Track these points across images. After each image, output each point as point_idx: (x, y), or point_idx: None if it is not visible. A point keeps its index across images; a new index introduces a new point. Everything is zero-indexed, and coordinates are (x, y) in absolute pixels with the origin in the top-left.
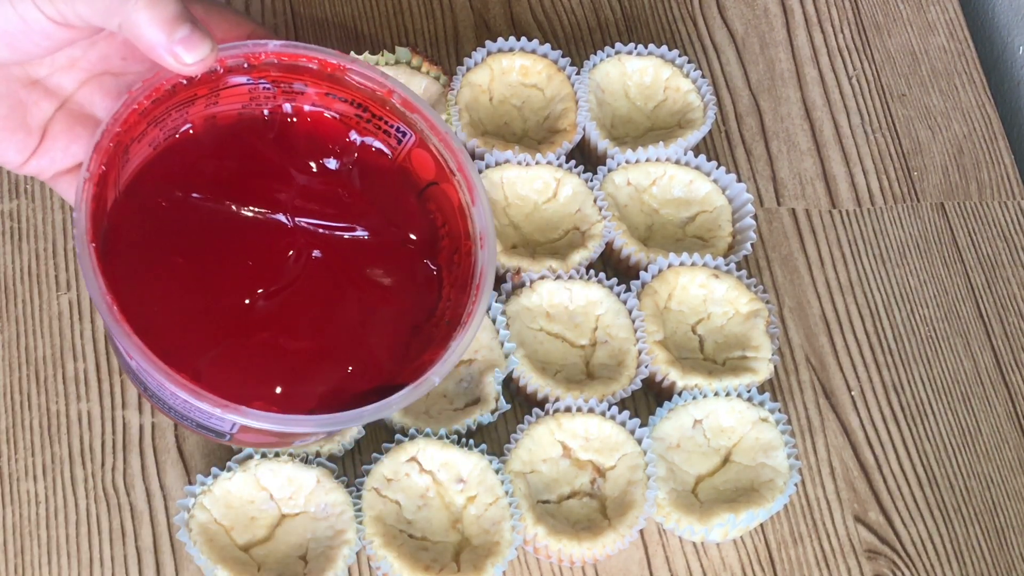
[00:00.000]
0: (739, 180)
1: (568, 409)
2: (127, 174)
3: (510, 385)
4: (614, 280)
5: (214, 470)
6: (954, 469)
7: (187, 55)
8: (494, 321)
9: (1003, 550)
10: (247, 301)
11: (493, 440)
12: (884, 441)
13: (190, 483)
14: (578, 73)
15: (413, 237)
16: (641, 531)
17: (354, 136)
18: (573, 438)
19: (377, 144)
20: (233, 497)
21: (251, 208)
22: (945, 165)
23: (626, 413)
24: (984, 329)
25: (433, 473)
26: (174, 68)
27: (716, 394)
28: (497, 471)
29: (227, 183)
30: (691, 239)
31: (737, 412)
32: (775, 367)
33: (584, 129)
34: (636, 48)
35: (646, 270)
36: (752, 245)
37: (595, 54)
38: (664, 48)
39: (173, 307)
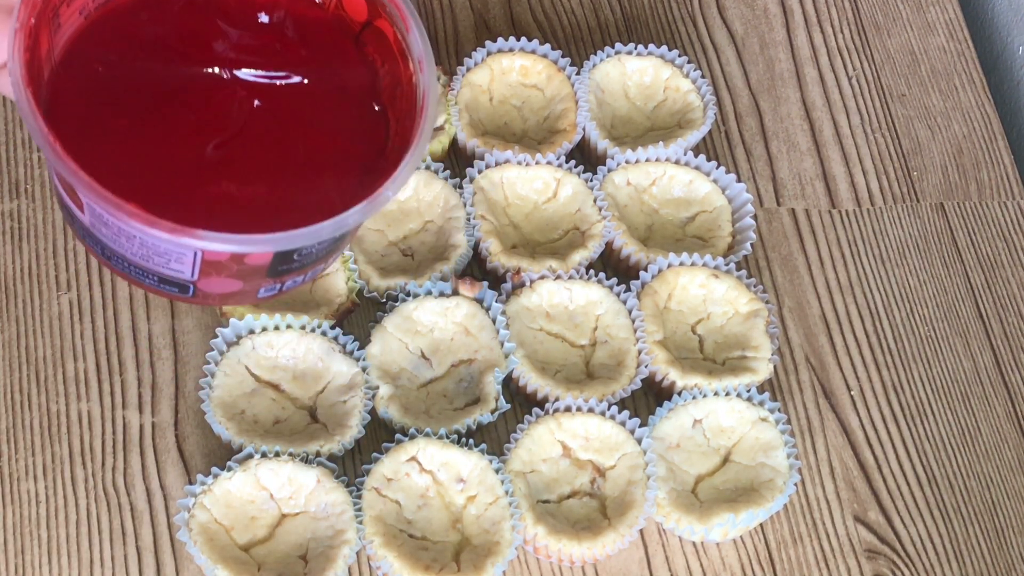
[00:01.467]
0: (739, 180)
1: (568, 409)
2: (60, 44)
3: (510, 385)
4: (614, 280)
5: (214, 470)
6: (954, 469)
7: None
8: (494, 321)
9: (1003, 550)
10: (195, 155)
11: (493, 440)
12: (884, 441)
13: (190, 483)
14: (578, 73)
15: (352, 83)
16: (641, 531)
17: None
18: (573, 438)
19: None
20: (233, 497)
21: (188, 66)
22: (945, 165)
23: (626, 413)
24: (984, 329)
25: (433, 473)
26: None
27: (716, 394)
28: (497, 471)
29: (162, 44)
30: (691, 239)
31: (737, 412)
32: (775, 367)
33: (584, 129)
34: (636, 48)
35: (646, 270)
36: (752, 245)
37: (595, 54)
38: (664, 48)
39: (123, 169)
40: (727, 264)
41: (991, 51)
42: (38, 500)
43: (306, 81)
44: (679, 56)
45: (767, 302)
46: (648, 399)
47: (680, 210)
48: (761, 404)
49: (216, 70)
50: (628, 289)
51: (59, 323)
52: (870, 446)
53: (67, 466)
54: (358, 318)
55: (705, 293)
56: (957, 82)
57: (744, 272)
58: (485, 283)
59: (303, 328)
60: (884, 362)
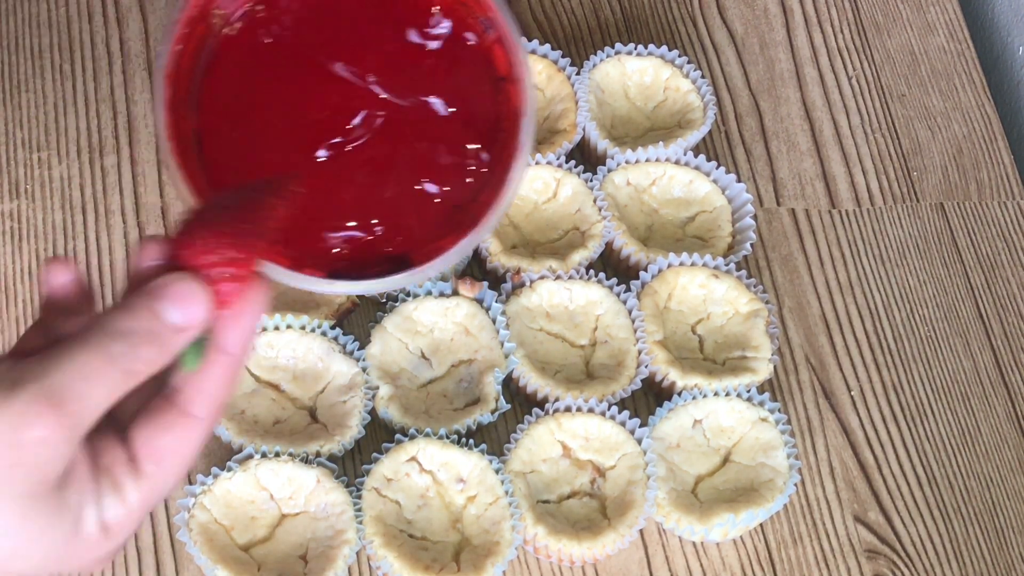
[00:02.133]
0: (739, 180)
1: (568, 409)
2: (234, 14)
3: (510, 385)
4: (614, 280)
5: (214, 470)
6: (954, 469)
7: None
8: (494, 321)
9: (1003, 550)
10: (310, 149)
11: (493, 440)
12: (884, 441)
13: (190, 483)
14: (578, 73)
15: (478, 122)
16: (641, 531)
17: (448, 17)
18: (573, 438)
19: (466, 29)
20: (233, 497)
21: (334, 66)
22: (945, 165)
23: (626, 413)
24: (984, 329)
25: (433, 473)
26: None
27: (716, 394)
28: (497, 471)
29: (318, 39)
30: (691, 239)
31: (737, 412)
32: (775, 367)
33: (584, 129)
34: (636, 48)
35: (646, 270)
36: (752, 245)
37: (595, 54)
38: (664, 48)
39: (246, 140)
40: (727, 264)
41: (991, 51)
42: None
43: (437, 107)
44: (679, 56)
45: (767, 302)
46: (648, 399)
47: (680, 210)
48: (761, 404)
49: (358, 79)
50: (628, 289)
51: None
52: (870, 446)
53: None
54: (358, 318)
55: (705, 293)
56: (957, 82)
57: (744, 272)
58: (485, 283)
59: (303, 328)
60: (884, 362)
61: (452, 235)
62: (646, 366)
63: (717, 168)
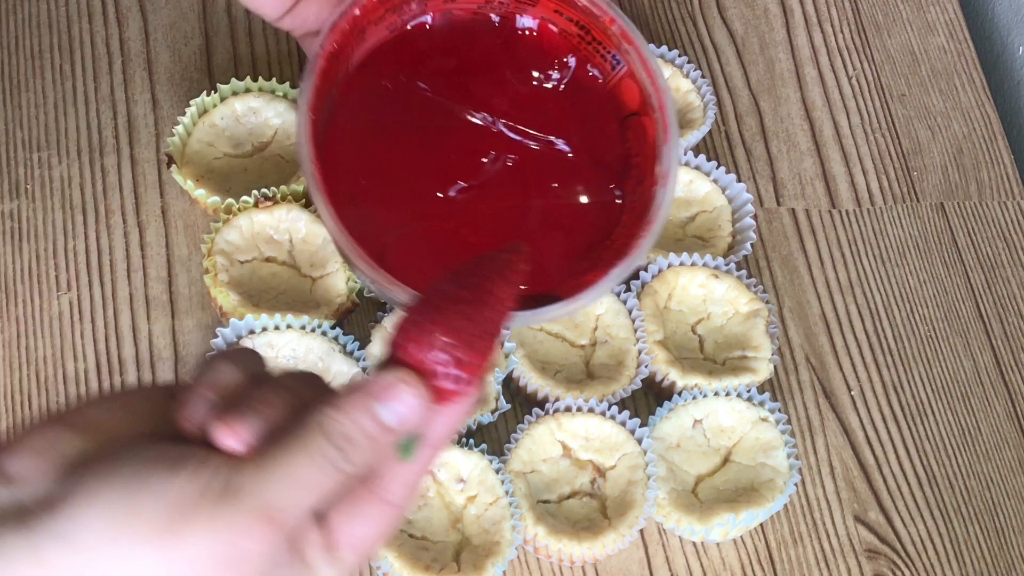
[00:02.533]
0: (739, 180)
1: (568, 409)
2: (361, 52)
3: (510, 385)
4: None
5: None
6: (954, 469)
7: None
8: None
9: (1003, 550)
10: (440, 191)
11: (493, 440)
12: (884, 441)
13: None
14: None
15: (607, 161)
16: (641, 531)
17: (572, 55)
18: (573, 438)
19: (592, 66)
20: None
21: (464, 106)
22: (945, 165)
23: (626, 413)
24: (984, 329)
25: (433, 473)
26: None
27: (716, 394)
28: (497, 471)
29: (448, 78)
30: (691, 239)
31: (737, 412)
32: (775, 367)
33: None
34: None
35: (646, 270)
36: (752, 245)
37: None
38: (664, 48)
39: (374, 181)
40: (727, 264)
41: (991, 51)
42: None
43: (564, 148)
44: (679, 56)
45: (767, 302)
46: (648, 399)
47: (680, 210)
48: (761, 404)
49: (487, 118)
50: (628, 289)
51: (59, 323)
52: (870, 446)
53: None
54: (358, 318)
55: (705, 293)
56: (957, 82)
57: (744, 272)
58: None
59: (303, 328)
60: (884, 362)
61: (592, 271)
62: (646, 366)
63: (717, 168)
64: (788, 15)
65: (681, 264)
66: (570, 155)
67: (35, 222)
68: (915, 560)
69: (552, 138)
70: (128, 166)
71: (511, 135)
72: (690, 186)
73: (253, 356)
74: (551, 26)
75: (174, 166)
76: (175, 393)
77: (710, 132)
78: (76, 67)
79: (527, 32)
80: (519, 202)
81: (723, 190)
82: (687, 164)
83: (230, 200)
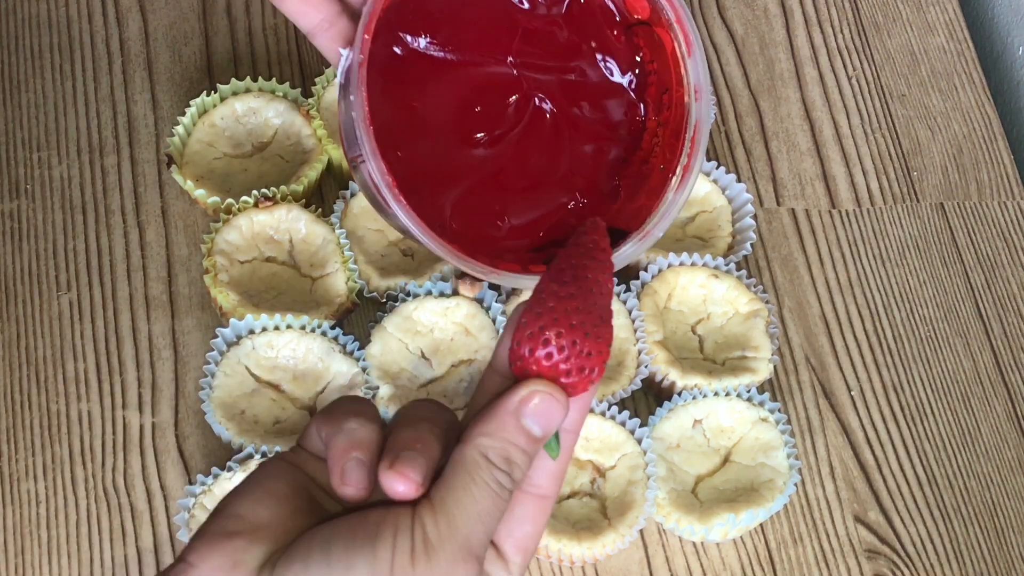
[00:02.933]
0: (739, 180)
1: None
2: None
3: None
4: (614, 280)
5: (214, 470)
6: (954, 469)
7: None
8: (494, 321)
9: (1003, 550)
10: (477, 146)
11: None
12: (884, 441)
13: (190, 483)
14: None
15: (620, 71)
16: (641, 531)
17: None
18: None
19: None
20: None
21: (475, 54)
22: (945, 165)
23: (626, 413)
24: (984, 329)
25: None
26: None
27: (716, 394)
28: None
29: (454, 26)
30: (691, 239)
31: (737, 412)
32: (775, 367)
33: None
34: None
35: (646, 270)
36: (752, 245)
37: None
38: None
39: (413, 151)
40: (727, 264)
41: (991, 51)
42: (38, 500)
43: (581, 76)
44: None
45: (767, 302)
46: (648, 399)
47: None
48: (761, 404)
49: (506, 63)
50: (628, 289)
51: (59, 323)
52: (870, 446)
53: (67, 466)
54: (358, 318)
55: (705, 293)
56: (957, 82)
57: (744, 272)
58: (485, 283)
59: (303, 328)
60: (884, 362)
61: (645, 194)
62: (646, 366)
63: (717, 168)
64: (788, 15)
65: (681, 264)
66: (584, 77)
67: (35, 222)
68: (915, 560)
69: (565, 65)
70: (128, 166)
71: (529, 76)
72: None
73: (367, 404)
74: None
75: (174, 166)
76: (299, 464)
77: (710, 132)
78: (76, 67)
79: None
80: (551, 138)
81: (723, 190)
82: None
83: (230, 200)
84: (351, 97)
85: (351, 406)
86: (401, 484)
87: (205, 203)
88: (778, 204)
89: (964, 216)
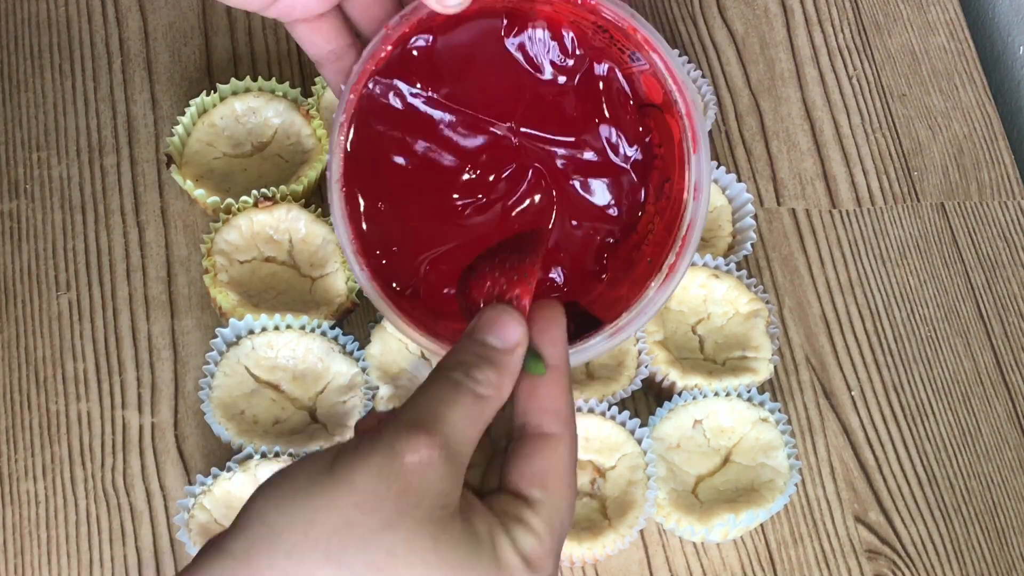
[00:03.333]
0: (739, 180)
1: None
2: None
3: None
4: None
5: (214, 470)
6: (954, 469)
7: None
8: None
9: (1003, 550)
10: (464, 210)
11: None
12: (884, 441)
13: (190, 483)
14: None
15: (626, 150)
16: (641, 531)
17: (587, 49)
18: None
19: (609, 59)
20: (233, 497)
21: (478, 114)
22: (945, 165)
23: (626, 413)
24: (984, 329)
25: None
26: (435, 8)
27: (716, 394)
28: None
29: (458, 85)
30: None
31: (737, 412)
32: (775, 367)
33: None
34: None
35: None
36: (752, 245)
37: None
38: None
39: (397, 206)
40: (727, 264)
41: (991, 51)
42: (38, 501)
43: (585, 153)
44: (679, 56)
45: (767, 302)
46: (648, 399)
47: None
48: (761, 404)
49: (507, 127)
50: None
51: (59, 323)
52: (870, 446)
53: (67, 467)
54: (358, 318)
55: (705, 293)
56: (957, 82)
57: (744, 272)
58: None
59: (303, 328)
60: (884, 362)
61: (627, 284)
62: (646, 366)
63: (717, 168)
64: (788, 15)
65: None
66: (589, 148)
67: (35, 222)
68: (915, 560)
69: (571, 139)
70: (128, 166)
71: (529, 147)
72: None
73: None
74: (564, 24)
75: (173, 166)
76: None
77: (710, 132)
78: (76, 67)
79: (538, 26)
80: (544, 207)
81: (723, 190)
82: None
83: (230, 200)
84: (331, 164)
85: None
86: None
87: (205, 203)
88: (778, 204)
89: (965, 216)
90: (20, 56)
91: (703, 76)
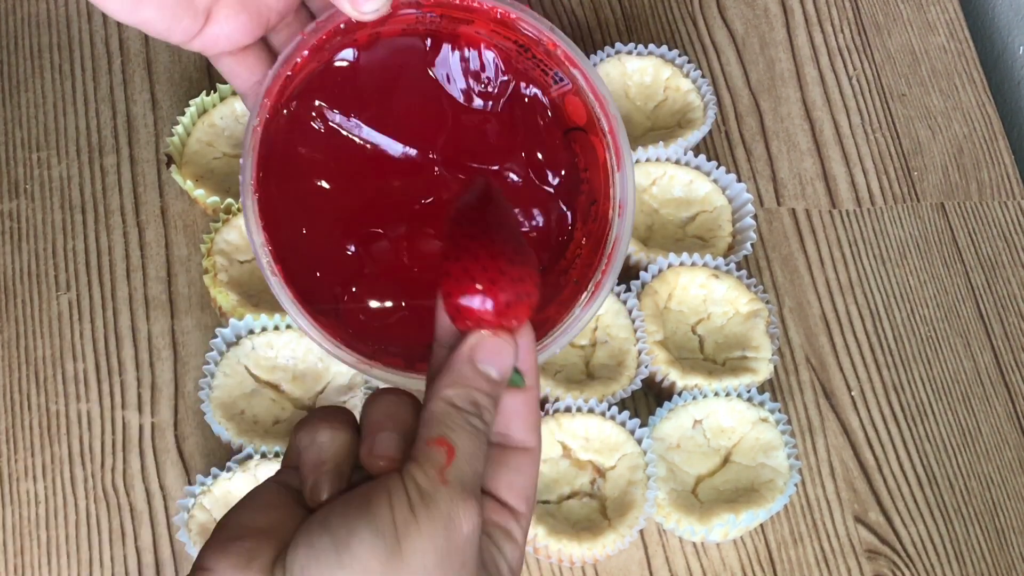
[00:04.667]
0: (739, 180)
1: (568, 409)
2: (291, 88)
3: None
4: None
5: (214, 470)
6: (954, 469)
7: (366, 4)
8: None
9: (1003, 550)
10: (382, 237)
11: None
12: (884, 441)
13: (190, 483)
14: None
15: (553, 178)
16: (641, 531)
17: (510, 72)
18: (573, 438)
19: (532, 83)
20: (233, 497)
21: (403, 145)
22: (945, 165)
23: (626, 413)
24: (984, 329)
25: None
26: (351, 15)
27: (716, 394)
28: None
29: (380, 109)
30: (691, 239)
31: (737, 412)
32: (775, 367)
33: None
34: (636, 48)
35: (646, 270)
36: (752, 245)
37: (595, 54)
38: (664, 48)
39: (318, 228)
40: (727, 264)
41: (991, 51)
42: (38, 500)
43: (508, 171)
44: (679, 56)
45: (767, 302)
46: (648, 399)
47: (680, 210)
48: (761, 404)
49: (427, 153)
50: (628, 289)
51: (59, 323)
52: (870, 446)
53: (67, 466)
54: None
55: (705, 293)
56: (957, 82)
57: (744, 272)
58: None
59: None
60: (884, 362)
61: (555, 305)
62: (646, 366)
63: (717, 168)
64: (788, 15)
65: (681, 264)
66: (514, 176)
67: (35, 222)
68: (915, 560)
69: (494, 166)
70: (127, 166)
71: (451, 171)
72: (690, 186)
73: (340, 412)
74: (485, 46)
75: (173, 166)
76: (287, 482)
77: (710, 132)
78: (76, 67)
79: (459, 50)
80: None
81: (723, 190)
82: (687, 164)
83: (229, 200)
84: (244, 168)
85: (323, 417)
86: (382, 461)
87: (204, 203)
88: (778, 204)
89: (964, 216)
90: (20, 56)
91: (703, 76)
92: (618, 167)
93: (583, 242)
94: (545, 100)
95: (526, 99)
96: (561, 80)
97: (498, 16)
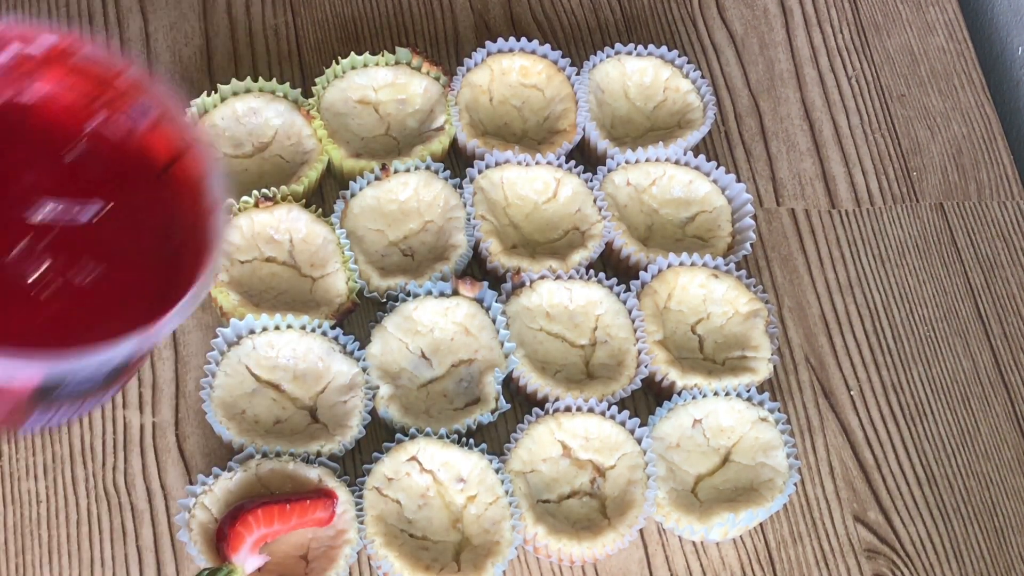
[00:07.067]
0: (739, 180)
1: (568, 409)
2: None
3: (510, 385)
4: (614, 280)
5: (215, 470)
6: (953, 469)
7: None
8: (494, 321)
9: (1002, 549)
10: None
11: (493, 440)
12: (883, 441)
13: (191, 483)
14: (578, 73)
15: (152, 216)
16: (641, 531)
17: (89, 123)
18: (573, 438)
19: (114, 127)
20: (234, 497)
21: None
22: (944, 165)
23: (626, 413)
24: (983, 329)
25: (433, 472)
26: None
27: (716, 394)
28: (497, 471)
29: None
30: (691, 239)
31: (737, 412)
32: (775, 367)
33: (584, 129)
34: (636, 48)
35: (646, 270)
36: (752, 245)
37: (595, 54)
38: (664, 48)
39: None
40: (727, 264)
41: (991, 51)
42: (39, 500)
43: (105, 214)
44: (679, 56)
45: (767, 302)
46: (648, 399)
47: (680, 210)
48: (761, 404)
49: (10, 213)
50: (628, 289)
51: None
52: (870, 446)
53: (68, 466)
54: (358, 318)
55: (705, 293)
56: (957, 82)
57: (744, 272)
58: (485, 283)
59: (303, 328)
60: (884, 362)
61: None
62: (646, 366)
63: (717, 168)
64: (788, 15)
65: (681, 264)
66: (110, 219)
67: None
68: (914, 560)
69: (80, 218)
70: None
71: (45, 219)
72: (690, 186)
73: None
74: (60, 97)
75: None
76: None
77: (710, 132)
78: None
79: (30, 114)
80: (65, 284)
81: (723, 190)
82: (687, 164)
83: (230, 200)
84: None
85: None
86: None
87: None
88: (778, 204)
89: (964, 216)
90: None
91: (703, 76)
92: (207, 172)
93: (193, 260)
94: (131, 144)
95: (111, 147)
96: (143, 114)
97: (57, 55)
